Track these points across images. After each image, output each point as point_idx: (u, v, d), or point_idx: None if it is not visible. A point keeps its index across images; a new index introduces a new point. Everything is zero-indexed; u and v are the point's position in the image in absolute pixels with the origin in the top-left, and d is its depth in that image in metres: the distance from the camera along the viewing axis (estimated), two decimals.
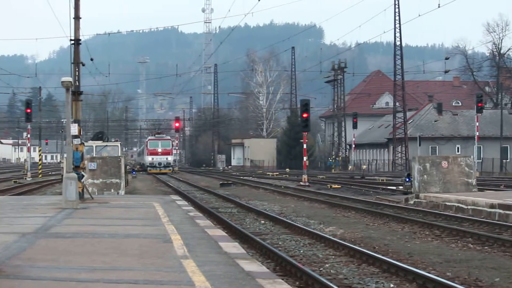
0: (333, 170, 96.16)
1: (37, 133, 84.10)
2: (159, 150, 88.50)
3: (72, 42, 28.97)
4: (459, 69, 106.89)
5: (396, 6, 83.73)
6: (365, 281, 13.38)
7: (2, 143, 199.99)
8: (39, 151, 79.47)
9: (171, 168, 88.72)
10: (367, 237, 20.04)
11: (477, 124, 67.32)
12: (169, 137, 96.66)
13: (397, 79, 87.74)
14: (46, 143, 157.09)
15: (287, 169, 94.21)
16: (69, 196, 23.05)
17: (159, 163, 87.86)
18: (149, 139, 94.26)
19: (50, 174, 79.58)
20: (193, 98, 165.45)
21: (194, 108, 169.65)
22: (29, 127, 64.98)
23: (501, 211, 24.08)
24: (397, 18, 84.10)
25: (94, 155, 45.89)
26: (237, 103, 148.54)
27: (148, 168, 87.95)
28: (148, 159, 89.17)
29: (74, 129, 26.70)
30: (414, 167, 33.54)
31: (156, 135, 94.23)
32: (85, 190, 28.03)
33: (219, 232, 16.93)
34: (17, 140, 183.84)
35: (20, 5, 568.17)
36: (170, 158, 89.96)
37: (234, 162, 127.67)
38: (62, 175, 28.79)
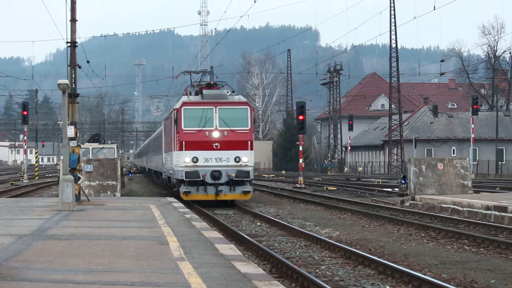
0: (329, 172, 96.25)
1: (34, 135, 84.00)
2: (217, 134, 32.13)
3: (69, 44, 28.99)
4: (455, 71, 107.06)
5: (392, 8, 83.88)
6: (361, 283, 13.41)
7: None
8: (36, 153, 79.54)
9: (250, 190, 32.46)
10: (363, 239, 20.08)
11: (473, 126, 67.45)
12: (242, 98, 34.95)
13: (392, 81, 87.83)
14: (43, 145, 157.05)
15: (283, 171, 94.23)
16: (66, 198, 23.08)
17: (216, 175, 31.90)
18: (183, 105, 32.63)
19: (46, 176, 79.51)
20: None
21: None
22: (25, 129, 64.93)
23: (496, 213, 24.13)
24: (392, 20, 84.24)
25: (90, 157, 45.91)
26: None
27: (183, 189, 32.07)
28: (182, 159, 32.27)
29: (70, 131, 26.73)
30: (410, 169, 33.61)
31: (204, 92, 33.14)
32: (81, 192, 28.04)
33: (215, 234, 16.95)
34: (13, 142, 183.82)
35: (17, 7, 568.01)
36: (247, 159, 32.25)
37: None
38: (59, 177, 28.82)
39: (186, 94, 34.26)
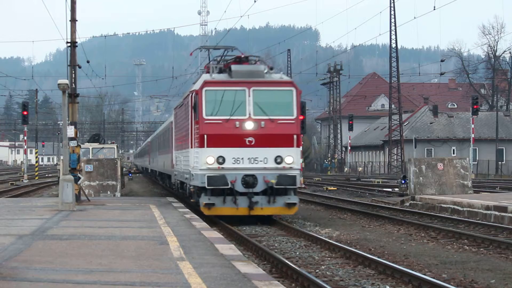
0: (329, 172, 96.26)
1: (34, 135, 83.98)
2: (251, 126, 23.26)
3: (69, 44, 29.02)
4: (455, 71, 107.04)
5: (392, 8, 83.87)
6: (361, 283, 13.40)
7: None
8: (36, 153, 79.50)
9: (295, 201, 23.38)
10: (363, 239, 20.08)
11: (473, 126, 67.40)
12: (285, 76, 25.06)
13: (392, 81, 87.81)
14: (43, 145, 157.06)
15: None
16: (66, 198, 23.10)
17: (250, 181, 23.19)
18: (204, 85, 23.56)
19: (46, 176, 79.49)
20: None
21: None
22: (25, 129, 64.92)
23: (496, 213, 24.13)
24: (392, 20, 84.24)
25: (90, 157, 45.90)
26: None
27: (204, 200, 23.15)
28: (202, 159, 23.24)
29: (70, 131, 26.74)
30: (410, 169, 33.60)
31: (233, 68, 23.89)
32: (81, 192, 28.06)
33: (215, 234, 16.96)
34: (13, 142, 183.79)
35: (17, 7, 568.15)
36: (291, 159, 23.37)
37: None
38: (59, 177, 28.83)
39: (208, 72, 24.75)
